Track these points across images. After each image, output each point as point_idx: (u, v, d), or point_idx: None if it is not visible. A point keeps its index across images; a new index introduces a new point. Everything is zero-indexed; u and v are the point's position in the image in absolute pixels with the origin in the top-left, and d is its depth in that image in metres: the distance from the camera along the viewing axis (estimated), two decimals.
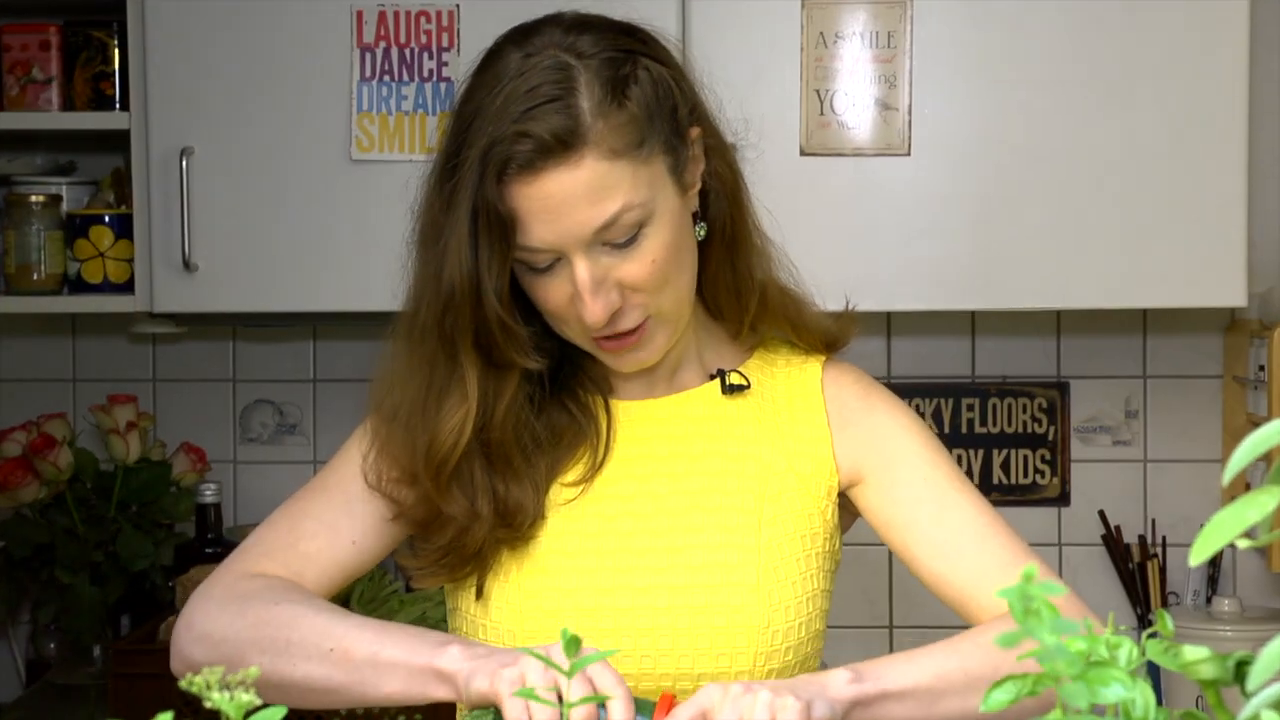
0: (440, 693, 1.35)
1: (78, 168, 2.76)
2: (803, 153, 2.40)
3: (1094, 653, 0.82)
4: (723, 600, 1.49)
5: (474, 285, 1.43)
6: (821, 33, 2.39)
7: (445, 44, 2.41)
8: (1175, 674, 2.51)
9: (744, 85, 2.30)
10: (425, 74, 2.41)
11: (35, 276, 2.57)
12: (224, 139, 2.42)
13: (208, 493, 2.67)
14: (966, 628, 1.49)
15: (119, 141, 2.52)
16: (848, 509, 1.60)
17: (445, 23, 2.41)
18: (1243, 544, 0.76)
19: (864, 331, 1.65)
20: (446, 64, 2.41)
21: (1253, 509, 0.75)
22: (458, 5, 2.41)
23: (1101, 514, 2.77)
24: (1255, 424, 2.55)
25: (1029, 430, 2.79)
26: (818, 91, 2.39)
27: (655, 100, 1.43)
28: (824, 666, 1.59)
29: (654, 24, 1.52)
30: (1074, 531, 2.79)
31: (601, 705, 1.28)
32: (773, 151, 2.26)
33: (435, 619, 2.43)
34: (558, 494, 1.53)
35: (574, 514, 1.53)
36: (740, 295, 1.56)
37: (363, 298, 2.39)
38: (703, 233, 1.52)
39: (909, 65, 2.39)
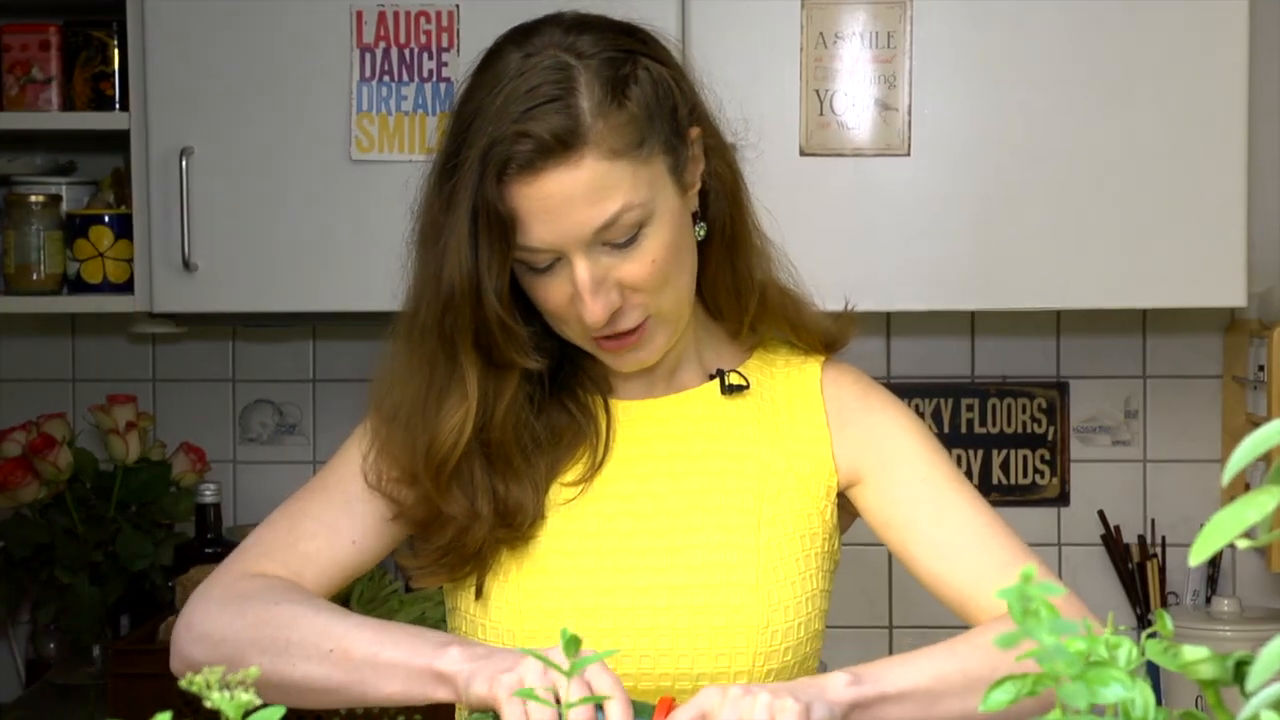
0: (440, 694, 1.35)
1: (77, 168, 2.76)
2: (802, 153, 2.40)
3: (1093, 653, 0.82)
4: (722, 600, 1.49)
5: (474, 285, 1.43)
6: (821, 33, 2.39)
7: (445, 44, 2.41)
8: (1175, 674, 2.51)
9: (744, 85, 2.29)
10: (425, 74, 2.41)
11: (35, 276, 2.57)
12: (224, 139, 2.42)
13: (207, 493, 2.67)
14: (966, 628, 1.49)
15: (119, 141, 2.52)
16: (847, 509, 1.60)
17: (445, 23, 2.41)
18: (1242, 544, 0.76)
19: (863, 331, 1.65)
20: (446, 64, 2.41)
21: (1252, 509, 0.75)
22: (457, 5, 2.41)
23: (1101, 514, 2.77)
24: (1255, 424, 2.55)
25: (1029, 430, 2.79)
26: (817, 91, 2.39)
27: (655, 100, 1.43)
28: (823, 666, 1.59)
29: (654, 24, 1.52)
30: (1073, 531, 2.79)
31: (599, 708, 1.28)
32: (772, 151, 2.26)
33: (435, 619, 2.43)
34: (557, 494, 1.53)
35: (573, 514, 1.53)
36: (740, 295, 1.56)
37: (362, 298, 2.39)
38: (702, 233, 1.52)
39: (909, 65, 2.39)
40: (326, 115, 2.42)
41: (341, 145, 2.42)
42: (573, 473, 1.54)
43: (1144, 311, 2.75)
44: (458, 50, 2.40)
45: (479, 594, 1.52)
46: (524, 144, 1.38)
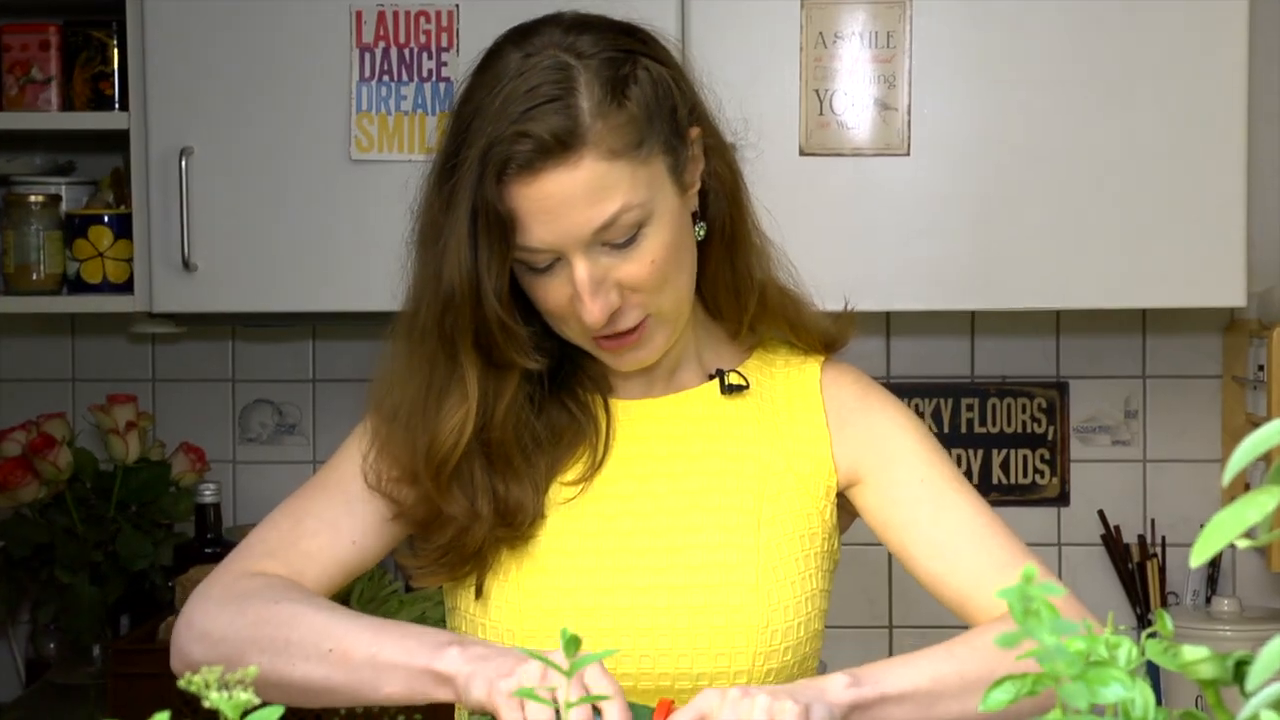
0: (439, 694, 1.35)
1: (77, 168, 2.76)
2: (802, 152, 2.40)
3: (1093, 653, 0.82)
4: (722, 600, 1.49)
5: (473, 285, 1.43)
6: (821, 33, 2.39)
7: (445, 44, 2.41)
8: (1175, 674, 2.51)
9: (743, 85, 2.29)
10: (425, 74, 2.41)
11: (34, 276, 2.57)
12: (223, 139, 2.42)
13: (207, 493, 2.67)
14: (966, 628, 1.49)
15: (118, 141, 2.52)
16: (846, 509, 1.60)
17: (445, 23, 2.41)
18: (1242, 544, 0.75)
19: (863, 331, 1.65)
20: (446, 64, 2.41)
21: (1252, 509, 0.75)
22: (457, 5, 2.41)
23: (1101, 514, 2.77)
24: (1255, 424, 2.55)
25: (1028, 430, 2.79)
26: (817, 91, 2.39)
27: (655, 100, 1.43)
28: (823, 666, 1.60)
29: (654, 24, 1.52)
30: (1073, 531, 2.79)
31: (597, 710, 1.28)
32: (772, 151, 2.26)
33: (435, 618, 2.43)
34: (557, 493, 1.53)
35: (573, 513, 1.53)
36: (739, 295, 1.56)
37: (362, 298, 2.39)
38: (702, 233, 1.52)
39: (908, 65, 2.39)
40: (326, 115, 2.42)
41: (341, 145, 2.42)
42: (573, 472, 1.54)
43: (1144, 311, 2.75)
44: (457, 50, 2.40)
45: (479, 593, 1.52)
46: (523, 144, 1.38)
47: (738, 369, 1.59)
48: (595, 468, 1.54)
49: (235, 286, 2.44)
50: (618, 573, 1.50)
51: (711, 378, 1.59)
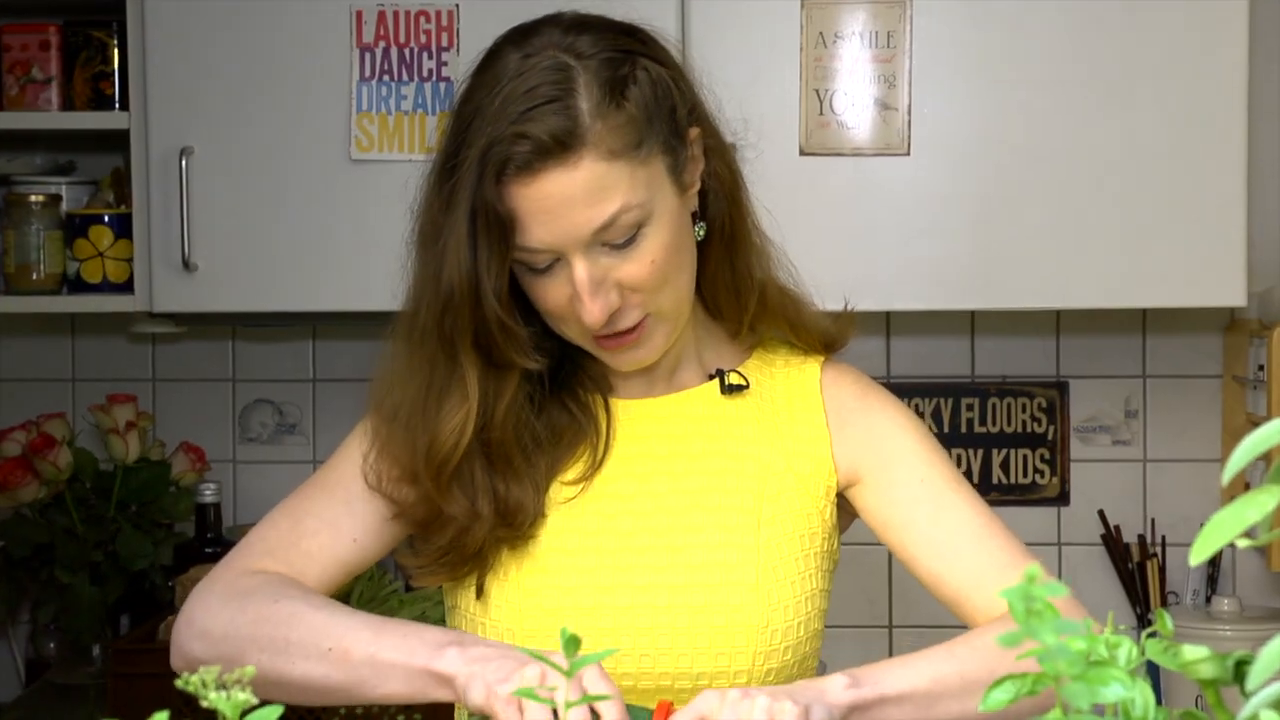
0: (439, 694, 1.35)
1: (77, 167, 2.76)
2: (802, 152, 2.40)
3: (1093, 652, 0.82)
4: (722, 599, 1.49)
5: (473, 286, 1.43)
6: (821, 32, 2.39)
7: (445, 44, 2.41)
8: (1175, 673, 2.51)
9: (743, 85, 2.30)
10: (425, 74, 2.41)
11: (35, 276, 2.57)
12: (224, 139, 2.42)
13: (207, 492, 2.67)
14: (966, 628, 1.49)
15: (118, 141, 2.52)
16: (846, 509, 1.60)
17: (445, 22, 2.41)
18: (1242, 544, 0.76)
19: (863, 331, 1.65)
20: (446, 64, 2.41)
21: (1252, 509, 0.75)
22: (457, 5, 2.41)
23: (1101, 514, 2.77)
24: (1255, 424, 2.55)
25: (1028, 430, 2.79)
26: (817, 91, 2.39)
27: (654, 101, 1.43)
28: (823, 666, 1.60)
29: (653, 24, 1.52)
30: (1073, 531, 2.79)
31: (595, 714, 1.28)
32: (772, 151, 2.26)
33: (435, 618, 2.43)
34: (558, 492, 1.53)
35: (574, 512, 1.53)
36: (739, 295, 1.56)
37: (362, 298, 2.39)
38: (702, 232, 1.52)
39: (908, 65, 2.39)
40: (326, 115, 2.42)
41: (341, 145, 2.42)
42: (573, 471, 1.54)
43: (1144, 311, 2.75)
44: (457, 50, 2.40)
45: (479, 593, 1.52)
46: (522, 145, 1.38)
47: (738, 369, 1.59)
48: (595, 467, 1.54)
49: (235, 286, 2.44)
50: (618, 572, 1.50)
51: (712, 377, 1.59)
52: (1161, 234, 2.38)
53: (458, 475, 1.49)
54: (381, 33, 2.41)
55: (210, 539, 2.66)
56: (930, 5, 2.38)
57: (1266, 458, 2.06)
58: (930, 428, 1.67)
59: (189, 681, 0.82)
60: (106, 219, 2.57)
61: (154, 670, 2.11)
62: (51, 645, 2.75)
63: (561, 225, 1.40)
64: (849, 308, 1.64)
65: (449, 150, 1.44)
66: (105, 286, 2.56)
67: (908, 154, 2.39)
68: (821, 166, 2.40)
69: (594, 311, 1.43)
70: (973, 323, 2.80)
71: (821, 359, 1.61)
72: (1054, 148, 2.38)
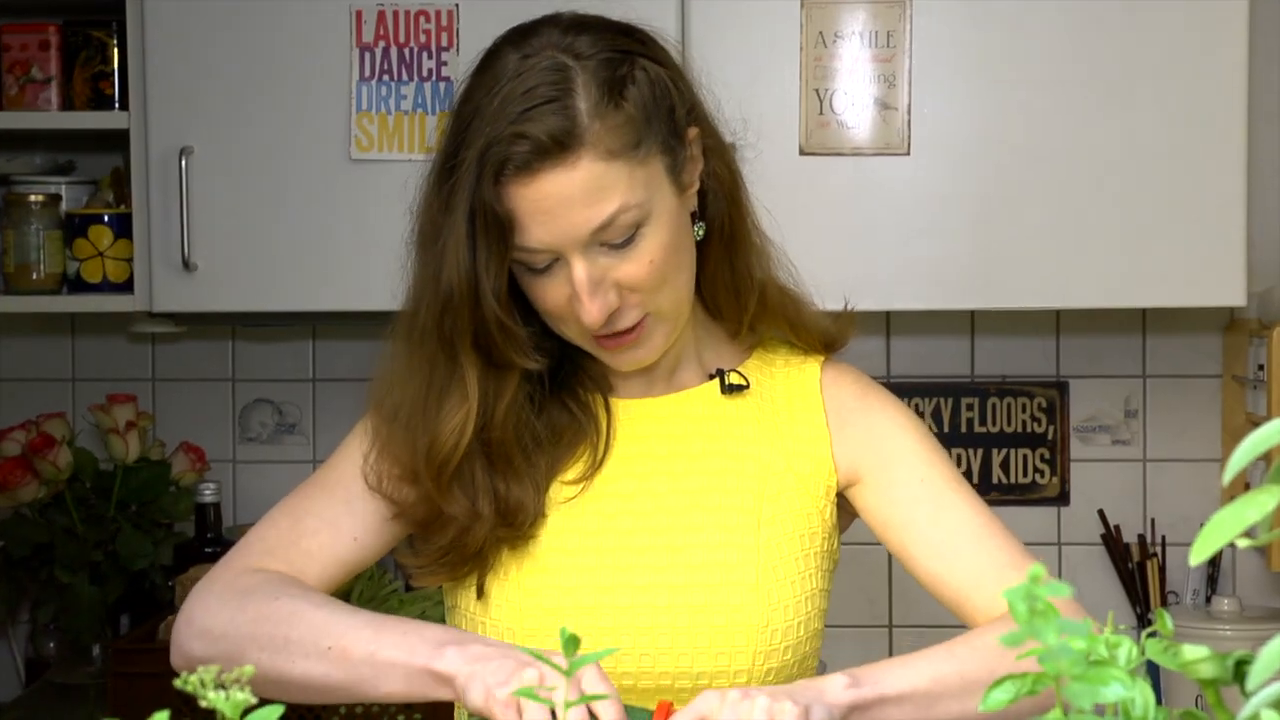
0: (439, 693, 1.35)
1: (77, 167, 2.76)
2: (802, 152, 2.40)
3: (1094, 652, 0.82)
4: (722, 599, 1.49)
5: (472, 286, 1.43)
6: (821, 32, 2.39)
7: (445, 44, 2.41)
8: (1175, 673, 2.51)
9: (743, 85, 2.30)
10: (424, 74, 2.41)
11: (34, 276, 2.57)
12: (223, 139, 2.42)
13: (207, 492, 2.67)
14: (966, 628, 1.49)
15: (118, 141, 2.52)
16: (846, 509, 1.60)
17: (444, 22, 2.41)
18: (1242, 543, 0.75)
19: (863, 331, 1.65)
20: (446, 64, 2.41)
21: (1252, 508, 0.75)
22: (457, 5, 2.41)
23: (1101, 513, 2.77)
24: (1255, 423, 2.55)
25: (1028, 430, 2.79)
26: (817, 91, 2.39)
27: (652, 101, 1.43)
28: (823, 666, 1.60)
29: (653, 24, 1.52)
30: (1073, 531, 2.79)
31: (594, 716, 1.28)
32: (772, 151, 2.26)
33: (435, 617, 2.42)
34: (558, 492, 1.53)
35: (574, 512, 1.53)
36: (739, 295, 1.56)
37: (362, 297, 2.39)
38: (701, 232, 1.52)
39: (908, 65, 2.39)
40: (326, 115, 2.42)
41: (341, 145, 2.42)
42: (573, 471, 1.54)
43: (1144, 311, 2.75)
44: (457, 49, 2.40)
45: (480, 593, 1.52)
46: (521, 145, 1.38)
47: (738, 369, 1.59)
48: (596, 467, 1.54)
49: (235, 286, 2.44)
50: (618, 572, 1.50)
51: (712, 377, 1.59)
52: (1161, 234, 2.38)
53: (458, 475, 1.49)
54: (381, 32, 2.41)
55: (210, 539, 2.66)
56: (930, 5, 2.38)
57: (1266, 458, 2.06)
58: (930, 428, 1.67)
59: (188, 681, 0.82)
60: (106, 219, 2.57)
61: (154, 670, 2.11)
62: (51, 645, 2.75)
63: (560, 225, 1.40)
64: (849, 307, 1.64)
65: (448, 150, 1.44)
66: (105, 286, 2.56)
67: (908, 154, 2.39)
68: (821, 166, 2.40)
69: (593, 311, 1.43)
70: (973, 323, 2.80)
71: (821, 359, 1.61)
72: (1054, 148, 2.38)
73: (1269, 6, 2.63)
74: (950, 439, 2.78)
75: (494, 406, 1.49)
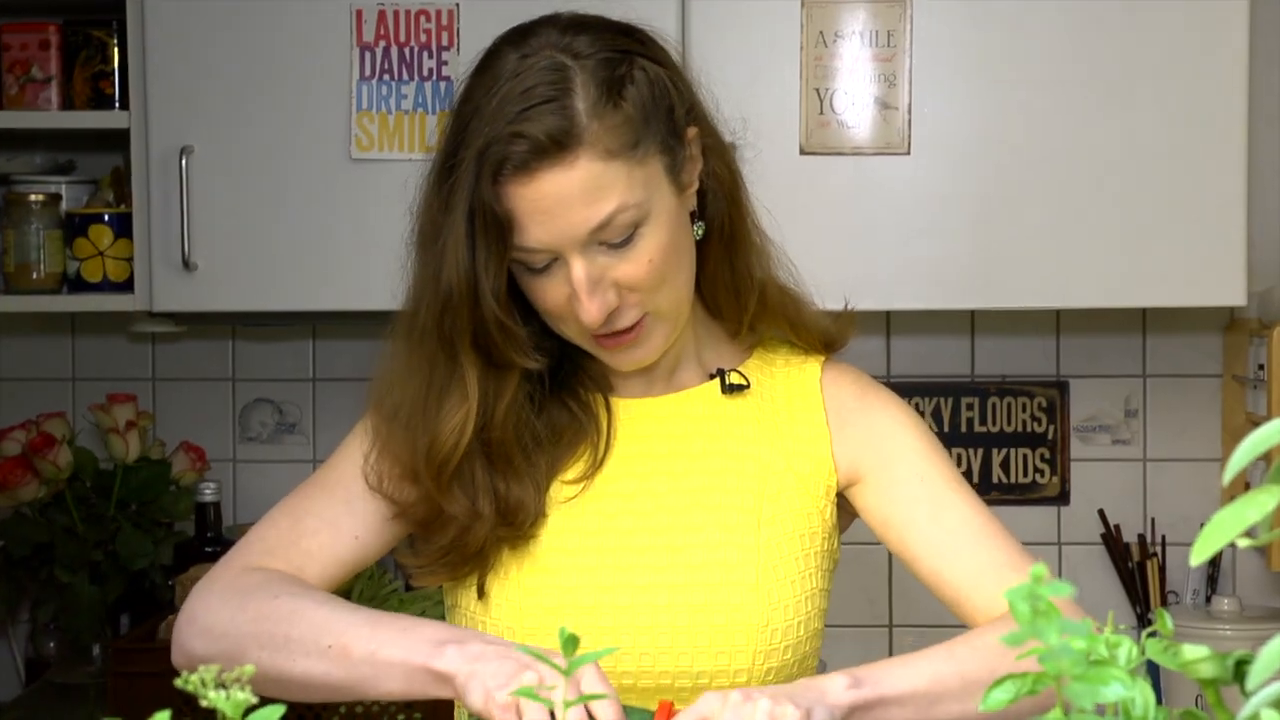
0: (438, 692, 1.35)
1: (77, 167, 2.76)
2: (802, 152, 2.40)
3: (1094, 652, 0.82)
4: (722, 599, 1.49)
5: (471, 286, 1.43)
6: (821, 32, 2.39)
7: (445, 43, 2.41)
8: (1175, 673, 2.51)
9: (743, 84, 2.30)
10: (425, 73, 2.41)
11: (34, 275, 2.57)
12: (224, 138, 2.42)
13: (207, 492, 2.67)
14: (966, 628, 1.49)
15: (118, 140, 2.52)
16: (846, 509, 1.60)
17: (445, 22, 2.41)
18: (1243, 543, 0.75)
19: (863, 331, 1.65)
20: (446, 63, 2.41)
21: (1253, 508, 0.75)
22: (457, 4, 2.41)
23: (1101, 513, 2.77)
24: (1255, 423, 2.55)
25: (1028, 429, 2.79)
26: (817, 90, 2.39)
27: (651, 100, 1.43)
28: (823, 666, 1.60)
29: (653, 24, 1.52)
30: (1073, 530, 2.79)
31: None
32: (772, 151, 2.26)
33: (435, 616, 2.40)
34: (558, 491, 1.53)
35: (574, 512, 1.53)
36: (739, 294, 1.56)
37: (362, 297, 2.39)
38: (700, 232, 1.52)
39: (909, 64, 2.39)
40: (326, 114, 2.42)
41: (341, 144, 2.42)
42: (574, 471, 1.54)
43: (1144, 311, 2.76)
44: (458, 49, 2.40)
45: (480, 593, 1.52)
46: (519, 144, 1.38)
47: (738, 368, 1.59)
48: (596, 466, 1.54)
49: (235, 286, 2.44)
50: (618, 571, 1.50)
51: (712, 377, 1.59)
52: (1161, 234, 2.38)
53: (458, 475, 1.49)
54: (382, 32, 2.41)
55: (210, 538, 2.66)
56: (930, 5, 2.38)
57: (1266, 457, 2.06)
58: (930, 427, 1.67)
59: (189, 681, 0.82)
60: (106, 218, 2.57)
61: (154, 669, 2.11)
62: (51, 645, 2.75)
63: (558, 225, 1.40)
64: (849, 307, 1.64)
65: (447, 150, 1.44)
66: (105, 286, 2.56)
67: (908, 153, 2.39)
68: (821, 166, 2.40)
69: (591, 311, 1.43)
70: (973, 322, 2.80)
71: (822, 359, 1.62)
72: (1054, 148, 2.38)
73: (1269, 6, 2.63)
74: (950, 439, 2.78)
75: (494, 406, 1.49)
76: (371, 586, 2.51)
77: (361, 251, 2.40)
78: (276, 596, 1.44)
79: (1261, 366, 2.53)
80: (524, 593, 1.50)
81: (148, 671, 2.31)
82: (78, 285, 2.58)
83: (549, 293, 1.46)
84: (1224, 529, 0.75)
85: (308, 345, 2.85)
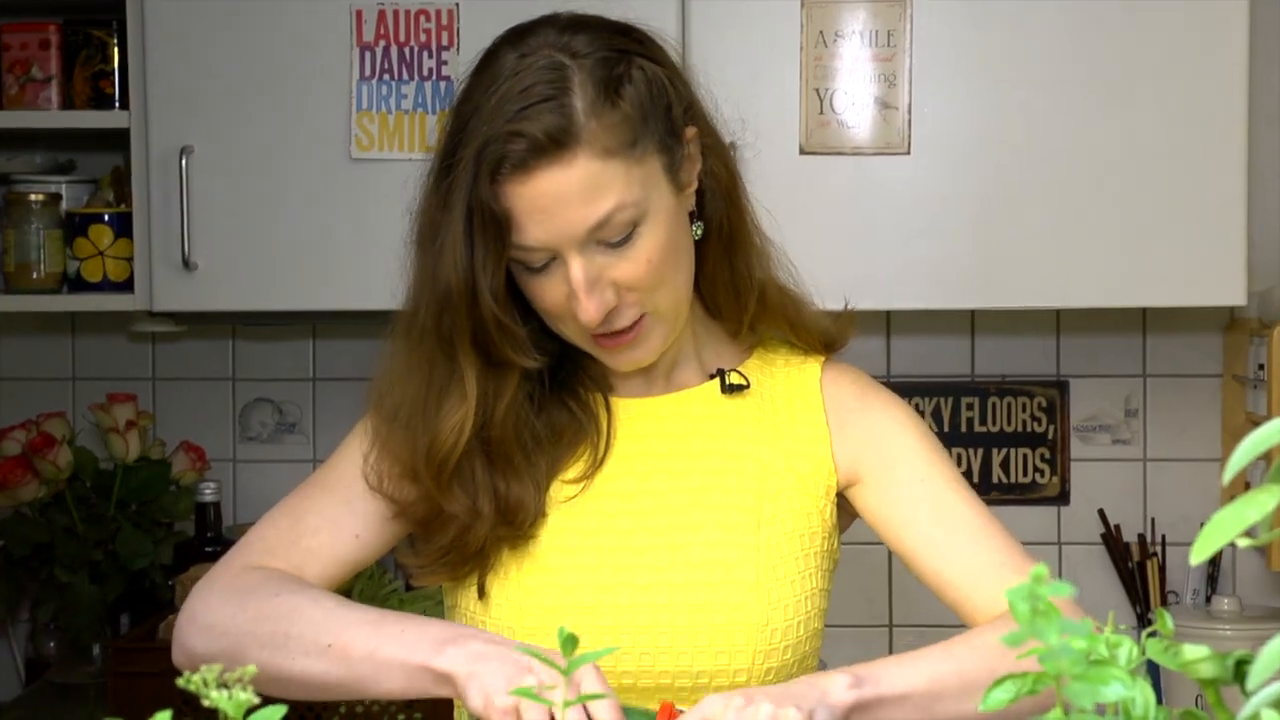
0: (439, 691, 1.35)
1: (77, 166, 2.76)
2: (802, 152, 2.40)
3: (1094, 652, 0.82)
4: (722, 599, 1.49)
5: (470, 285, 1.43)
6: (821, 32, 2.39)
7: (445, 43, 2.41)
8: (1175, 673, 2.51)
9: (743, 84, 2.30)
10: (425, 73, 2.41)
11: (35, 275, 2.57)
12: (224, 138, 2.42)
13: (207, 491, 2.67)
14: (965, 628, 1.49)
15: (118, 140, 2.52)
16: (846, 509, 1.60)
17: (445, 21, 2.41)
18: (1243, 543, 0.75)
19: (863, 331, 1.65)
20: (446, 63, 2.41)
21: (1253, 508, 0.75)
22: (457, 4, 2.41)
23: (1101, 513, 2.77)
24: (1255, 423, 2.55)
25: (1028, 429, 2.79)
26: (817, 90, 2.39)
27: (649, 100, 1.44)
28: (823, 665, 1.60)
29: (653, 24, 1.52)
30: (1073, 530, 2.79)
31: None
32: (772, 150, 2.26)
33: (435, 616, 2.42)
34: (558, 491, 1.53)
35: (574, 511, 1.53)
36: (739, 294, 1.56)
37: (362, 296, 2.39)
38: (699, 232, 1.52)
39: (909, 64, 2.39)
40: (326, 114, 2.42)
41: (341, 144, 2.42)
42: (573, 470, 1.54)
43: (1144, 310, 2.76)
44: (457, 49, 2.40)
45: (480, 592, 1.52)
46: (517, 143, 1.38)
47: (738, 368, 1.59)
48: (596, 466, 1.54)
49: (235, 285, 2.44)
50: (618, 571, 1.50)
51: (712, 377, 1.59)
52: (1161, 234, 2.38)
53: (458, 474, 1.49)
54: (381, 32, 2.41)
55: (210, 538, 2.66)
56: (930, 5, 2.38)
57: (1266, 457, 2.06)
58: (930, 427, 1.67)
59: (190, 681, 0.82)
60: (106, 218, 2.57)
61: (154, 669, 2.11)
62: (51, 644, 2.75)
63: (556, 224, 1.40)
64: (849, 307, 1.64)
65: (446, 150, 1.44)
66: (105, 285, 2.56)
67: (908, 153, 2.39)
68: (821, 166, 2.40)
69: (590, 310, 1.43)
70: (973, 322, 2.80)
71: (822, 359, 1.62)
72: (1054, 148, 2.38)
73: (1269, 7, 2.63)
74: (950, 439, 2.78)
75: (494, 405, 1.49)
76: (371, 586, 2.51)
77: (361, 251, 2.40)
78: (277, 595, 1.44)
79: (1261, 366, 2.53)
80: (524, 592, 1.50)
81: (148, 671, 2.31)
82: (78, 285, 2.58)
83: (547, 292, 1.46)
84: (1224, 529, 0.75)
85: (308, 345, 2.85)
